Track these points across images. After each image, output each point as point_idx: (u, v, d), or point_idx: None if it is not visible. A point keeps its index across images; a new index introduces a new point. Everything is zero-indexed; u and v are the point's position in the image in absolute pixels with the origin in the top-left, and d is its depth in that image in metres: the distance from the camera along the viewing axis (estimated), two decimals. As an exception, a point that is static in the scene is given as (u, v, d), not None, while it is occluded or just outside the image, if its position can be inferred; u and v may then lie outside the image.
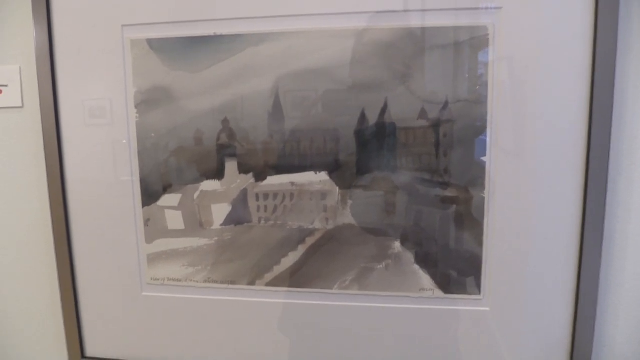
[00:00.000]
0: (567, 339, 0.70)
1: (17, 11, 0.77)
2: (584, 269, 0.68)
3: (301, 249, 0.74)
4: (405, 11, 0.67)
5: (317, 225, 0.73)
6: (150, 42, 0.73)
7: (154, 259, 0.79)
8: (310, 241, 0.73)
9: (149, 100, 0.74)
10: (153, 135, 0.75)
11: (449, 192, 0.69)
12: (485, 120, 0.67)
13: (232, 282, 0.77)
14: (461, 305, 0.72)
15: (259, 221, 0.74)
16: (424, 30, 0.66)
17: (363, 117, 0.69)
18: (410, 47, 0.67)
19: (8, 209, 0.85)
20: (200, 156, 0.74)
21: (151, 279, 0.79)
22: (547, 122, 0.65)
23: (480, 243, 0.69)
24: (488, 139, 0.67)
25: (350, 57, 0.68)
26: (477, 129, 0.67)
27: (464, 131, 0.67)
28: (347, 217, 0.72)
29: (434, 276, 0.72)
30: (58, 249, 0.80)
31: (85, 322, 0.83)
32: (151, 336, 0.81)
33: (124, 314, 0.81)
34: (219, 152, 0.73)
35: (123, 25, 0.73)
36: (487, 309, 0.71)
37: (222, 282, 0.77)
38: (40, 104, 0.77)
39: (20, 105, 0.81)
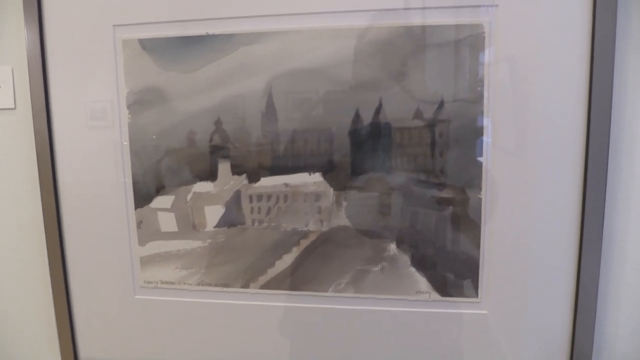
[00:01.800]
0: (566, 341, 0.69)
1: (9, 12, 0.77)
2: (583, 270, 0.66)
3: (295, 251, 0.73)
4: (400, 9, 0.66)
5: (312, 227, 0.72)
6: (142, 42, 0.72)
7: (146, 261, 0.78)
8: (304, 243, 0.72)
9: (142, 101, 0.73)
10: (146, 136, 0.74)
11: (445, 193, 0.68)
12: (482, 120, 0.66)
13: (226, 285, 0.76)
14: (458, 308, 0.70)
15: (253, 223, 0.73)
16: (418, 28, 0.65)
17: (357, 117, 0.68)
18: (405, 46, 0.66)
19: (0, 211, 0.84)
20: (193, 157, 0.73)
21: (144, 282, 0.78)
22: (545, 121, 0.64)
23: (477, 245, 0.68)
24: (485, 139, 0.66)
25: (344, 57, 0.67)
26: (474, 129, 0.66)
27: (460, 131, 0.66)
28: (341, 219, 0.71)
29: (430, 279, 0.70)
30: (50, 251, 0.79)
31: (78, 325, 0.82)
32: (144, 339, 0.80)
33: (117, 317, 0.80)
34: (211, 153, 0.72)
35: (114, 25, 0.72)
36: (485, 311, 0.70)
37: (215, 285, 0.76)
38: (32, 105, 0.76)
39: (12, 106, 0.80)
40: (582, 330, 0.68)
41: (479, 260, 0.69)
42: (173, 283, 0.77)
